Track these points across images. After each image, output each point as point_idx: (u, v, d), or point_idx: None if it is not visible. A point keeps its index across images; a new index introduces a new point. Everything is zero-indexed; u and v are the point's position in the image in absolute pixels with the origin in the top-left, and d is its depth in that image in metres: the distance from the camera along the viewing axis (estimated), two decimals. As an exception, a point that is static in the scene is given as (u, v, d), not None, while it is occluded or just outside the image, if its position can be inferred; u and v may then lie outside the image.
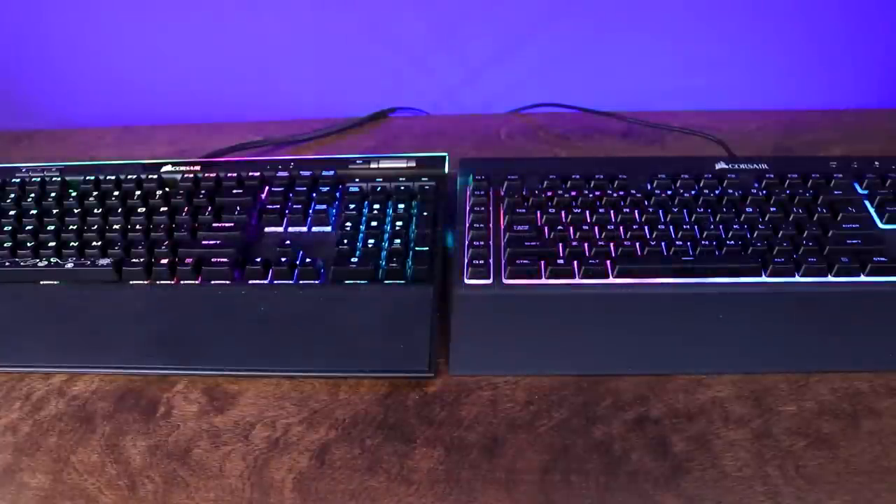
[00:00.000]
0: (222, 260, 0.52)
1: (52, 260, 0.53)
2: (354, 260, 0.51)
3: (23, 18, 0.76)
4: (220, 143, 0.71)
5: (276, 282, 0.51)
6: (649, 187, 0.56)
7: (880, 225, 0.53)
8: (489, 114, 0.76)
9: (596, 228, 0.53)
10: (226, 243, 0.54)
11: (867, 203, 0.55)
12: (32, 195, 0.59)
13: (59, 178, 0.61)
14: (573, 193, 0.56)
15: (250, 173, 0.60)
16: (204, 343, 0.48)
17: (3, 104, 0.82)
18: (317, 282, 0.51)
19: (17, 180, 0.61)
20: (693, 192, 0.55)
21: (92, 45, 0.78)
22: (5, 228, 0.56)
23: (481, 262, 0.51)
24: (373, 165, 0.61)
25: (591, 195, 0.56)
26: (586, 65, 0.77)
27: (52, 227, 0.56)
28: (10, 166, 0.63)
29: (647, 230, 0.53)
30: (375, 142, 0.72)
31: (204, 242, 0.54)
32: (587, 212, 0.54)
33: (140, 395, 0.46)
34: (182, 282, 0.52)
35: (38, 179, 0.61)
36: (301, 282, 0.51)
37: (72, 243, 0.54)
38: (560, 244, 0.52)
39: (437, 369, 0.47)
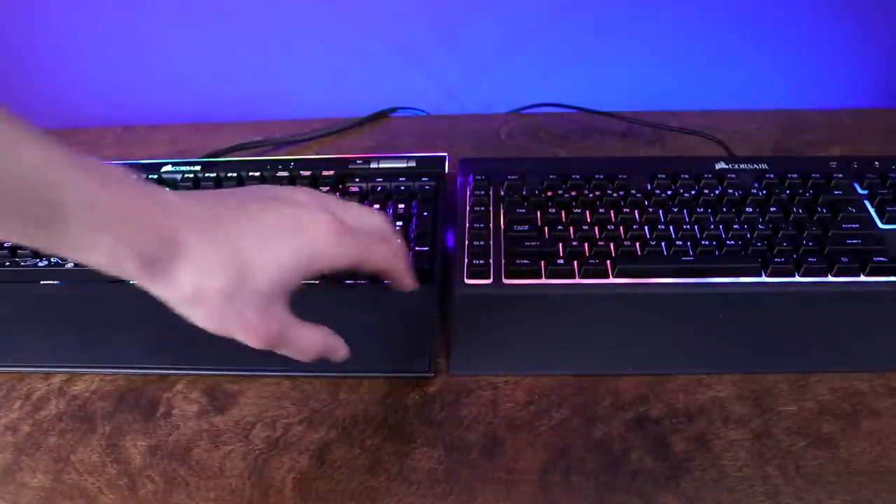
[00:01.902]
0: (222, 260, 0.52)
1: (52, 260, 0.53)
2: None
3: (22, 19, 0.76)
4: (220, 143, 0.71)
5: (276, 282, 0.51)
6: (649, 187, 0.56)
7: (880, 225, 0.53)
8: (489, 114, 0.76)
9: (596, 228, 0.53)
10: (226, 243, 0.54)
11: (867, 203, 0.55)
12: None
13: (59, 178, 0.61)
14: (573, 193, 0.56)
15: (250, 173, 0.60)
16: (204, 343, 0.48)
17: (3, 104, 0.82)
18: (316, 282, 0.51)
19: (17, 180, 0.61)
20: (693, 192, 0.55)
21: (92, 45, 0.78)
22: (5, 228, 0.56)
23: (481, 262, 0.51)
24: (373, 165, 0.61)
25: (591, 195, 0.56)
26: (586, 65, 0.77)
27: (52, 227, 0.56)
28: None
29: (647, 230, 0.53)
30: (375, 142, 0.72)
31: (204, 242, 0.54)
32: (587, 212, 0.54)
33: (140, 395, 0.46)
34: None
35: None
36: (301, 282, 0.51)
37: (72, 243, 0.54)
38: (560, 244, 0.52)
39: (437, 369, 0.47)
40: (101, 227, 0.31)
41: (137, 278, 0.34)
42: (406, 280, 0.43)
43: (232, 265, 0.34)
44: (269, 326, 0.37)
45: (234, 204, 0.37)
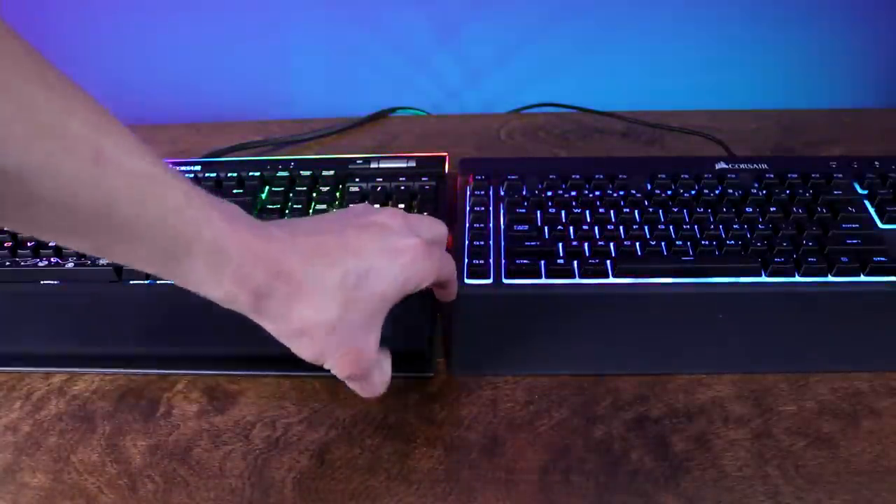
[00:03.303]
0: (222, 260, 0.52)
1: (52, 260, 0.53)
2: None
3: (22, 19, 0.76)
4: (220, 143, 0.71)
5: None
6: (649, 187, 0.56)
7: (880, 225, 0.53)
8: (489, 114, 0.76)
9: (595, 228, 0.53)
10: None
11: (867, 203, 0.55)
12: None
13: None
14: (573, 193, 0.56)
15: (250, 173, 0.60)
16: (204, 343, 0.48)
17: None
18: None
19: (18, 180, 0.61)
20: (693, 192, 0.55)
21: (91, 45, 0.78)
22: (6, 228, 0.56)
23: (481, 261, 0.51)
24: (373, 165, 0.61)
25: (590, 195, 0.56)
26: (586, 65, 0.77)
27: (52, 227, 0.56)
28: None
29: (646, 230, 0.53)
30: (375, 142, 0.72)
31: (204, 242, 0.54)
32: (587, 211, 0.54)
33: (140, 395, 0.46)
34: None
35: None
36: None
37: (72, 243, 0.54)
38: (560, 244, 0.52)
39: (437, 369, 0.47)
40: (223, 265, 0.33)
41: (248, 312, 0.35)
42: (454, 290, 0.46)
43: (338, 297, 0.36)
44: (360, 365, 0.38)
45: (334, 231, 0.38)
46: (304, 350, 0.37)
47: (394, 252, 0.38)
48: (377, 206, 0.46)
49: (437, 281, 0.42)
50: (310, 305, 0.35)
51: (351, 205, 0.48)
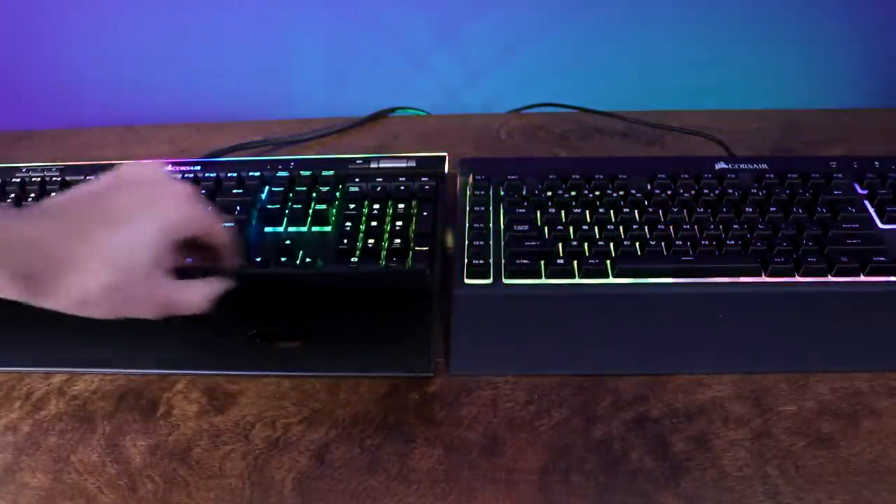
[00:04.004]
0: (222, 260, 0.52)
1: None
2: (354, 260, 0.51)
3: (23, 18, 0.76)
4: (220, 143, 0.71)
5: (276, 282, 0.51)
6: (649, 187, 0.56)
7: (880, 225, 0.53)
8: (489, 114, 0.76)
9: (595, 228, 0.53)
10: (226, 243, 0.54)
11: (867, 203, 0.55)
12: (32, 195, 0.59)
13: (59, 178, 0.61)
14: (573, 193, 0.56)
15: (250, 173, 0.60)
16: (204, 343, 0.48)
17: (3, 104, 0.82)
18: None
19: (18, 180, 0.61)
20: (693, 192, 0.55)
21: (92, 45, 0.78)
22: (5, 228, 0.56)
23: (481, 262, 0.51)
24: (373, 165, 0.61)
25: (590, 195, 0.56)
26: (586, 65, 0.77)
27: (52, 227, 0.56)
28: (10, 166, 0.63)
29: (646, 230, 0.53)
30: (375, 142, 0.72)
31: (204, 242, 0.54)
32: (587, 212, 0.54)
33: (140, 395, 0.46)
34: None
35: (39, 179, 0.61)
36: (301, 282, 0.51)
37: (72, 243, 0.54)
38: (560, 244, 0.52)
39: (437, 369, 0.47)
40: None
41: (26, 298, 0.37)
42: (234, 257, 0.47)
43: (107, 259, 0.37)
44: (165, 305, 0.41)
45: (91, 201, 0.40)
46: (99, 313, 0.38)
47: (151, 203, 0.40)
48: (147, 161, 0.49)
49: (211, 239, 0.43)
50: (82, 274, 0.37)
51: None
